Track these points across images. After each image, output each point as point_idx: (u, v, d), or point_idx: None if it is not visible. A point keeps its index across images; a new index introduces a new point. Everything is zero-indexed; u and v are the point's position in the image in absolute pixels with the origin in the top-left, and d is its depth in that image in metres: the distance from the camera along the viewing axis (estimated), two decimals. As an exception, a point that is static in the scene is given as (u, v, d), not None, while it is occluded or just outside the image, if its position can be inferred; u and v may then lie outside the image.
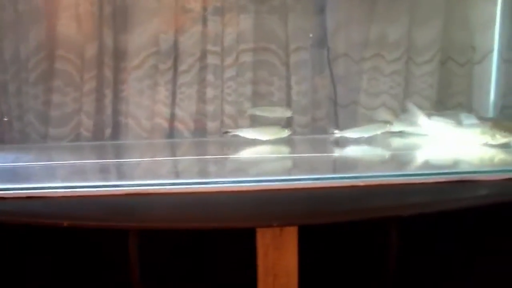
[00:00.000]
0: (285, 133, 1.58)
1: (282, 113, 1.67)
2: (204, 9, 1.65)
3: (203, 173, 1.40)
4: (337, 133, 1.57)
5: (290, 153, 1.57)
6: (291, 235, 1.16)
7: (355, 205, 1.19)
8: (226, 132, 1.60)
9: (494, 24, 1.75)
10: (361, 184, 1.26)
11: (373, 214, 1.18)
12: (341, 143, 1.63)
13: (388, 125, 1.60)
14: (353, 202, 1.21)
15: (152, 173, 1.39)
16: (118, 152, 1.65)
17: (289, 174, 1.36)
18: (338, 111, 1.75)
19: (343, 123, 1.72)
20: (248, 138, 1.58)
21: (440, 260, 1.42)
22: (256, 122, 1.68)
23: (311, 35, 1.73)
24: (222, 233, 1.28)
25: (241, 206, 1.18)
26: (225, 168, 1.45)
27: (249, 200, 1.20)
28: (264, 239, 1.16)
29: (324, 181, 1.27)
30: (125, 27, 1.64)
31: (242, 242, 1.20)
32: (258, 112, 1.66)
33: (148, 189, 1.20)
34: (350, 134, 1.58)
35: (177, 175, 1.39)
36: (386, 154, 1.57)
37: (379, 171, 1.40)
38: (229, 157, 1.53)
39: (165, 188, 1.20)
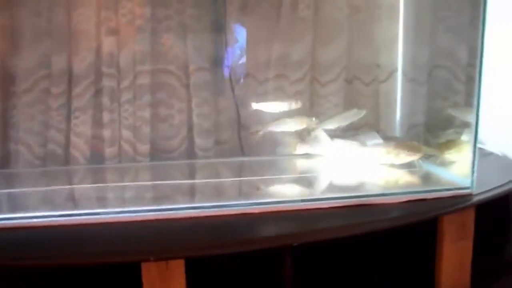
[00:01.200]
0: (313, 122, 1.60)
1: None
2: (98, 29, 1.60)
3: (88, 203, 1.37)
4: (315, 127, 1.58)
5: (183, 179, 1.54)
6: (177, 268, 1.13)
7: (243, 235, 1.17)
8: (257, 132, 1.62)
9: (398, 43, 1.77)
10: (255, 211, 1.24)
11: (260, 245, 1.17)
12: (244, 166, 1.62)
13: (361, 112, 1.62)
14: (243, 231, 1.19)
15: (27, 204, 1.36)
16: (7, 181, 1.58)
17: (177, 203, 1.32)
18: (242, 132, 1.71)
19: (247, 145, 1.70)
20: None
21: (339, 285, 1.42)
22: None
23: (233, 55, 1.70)
24: (107, 268, 1.24)
25: (125, 239, 1.16)
26: (115, 197, 1.42)
27: (135, 232, 1.18)
28: (149, 273, 1.13)
29: (215, 209, 1.24)
30: (15, 49, 1.59)
31: (129, 277, 1.16)
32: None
33: (20, 222, 1.16)
34: (327, 125, 1.60)
35: (55, 206, 1.35)
36: (287, 178, 1.56)
37: (276, 197, 1.39)
38: (118, 185, 1.50)
39: (41, 221, 1.18)
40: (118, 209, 1.25)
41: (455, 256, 1.41)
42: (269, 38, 1.71)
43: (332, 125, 1.61)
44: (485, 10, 1.31)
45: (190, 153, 1.70)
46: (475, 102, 1.36)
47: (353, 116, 1.63)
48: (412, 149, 1.55)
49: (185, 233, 1.18)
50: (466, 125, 1.49)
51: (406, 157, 1.54)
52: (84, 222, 1.20)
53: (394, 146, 1.54)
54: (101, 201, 1.40)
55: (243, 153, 1.69)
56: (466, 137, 1.51)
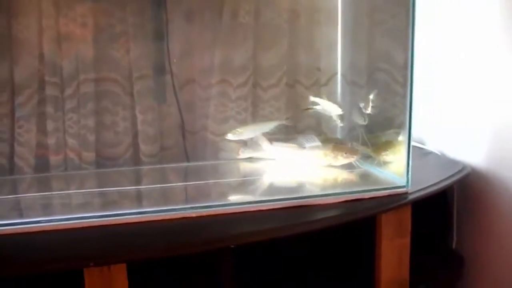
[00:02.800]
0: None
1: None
2: (40, 38, 1.61)
3: (31, 212, 1.40)
4: (231, 137, 1.62)
5: (127, 185, 1.57)
6: (119, 272, 1.16)
7: (182, 239, 1.20)
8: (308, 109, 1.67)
9: (337, 47, 1.82)
10: (193, 215, 1.27)
11: (199, 248, 1.20)
12: (188, 171, 1.65)
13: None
14: (183, 235, 1.22)
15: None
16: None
17: (121, 209, 1.35)
18: (186, 138, 1.75)
19: (192, 150, 1.74)
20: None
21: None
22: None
23: (174, 60, 1.72)
24: (49, 276, 1.26)
25: (66, 246, 1.18)
26: (56, 204, 1.45)
27: (76, 238, 1.20)
28: (91, 279, 1.15)
29: (155, 214, 1.27)
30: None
31: (72, 284, 1.18)
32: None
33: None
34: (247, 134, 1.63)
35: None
36: (229, 182, 1.60)
37: (215, 200, 1.41)
38: (63, 193, 1.52)
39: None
40: (61, 216, 1.26)
41: (393, 253, 1.46)
42: (211, 44, 1.75)
43: (251, 134, 1.65)
44: (414, 13, 1.36)
45: (136, 160, 1.72)
46: (407, 104, 1.41)
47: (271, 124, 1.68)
48: (349, 151, 1.62)
49: (127, 238, 1.21)
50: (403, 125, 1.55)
51: (343, 159, 1.60)
52: (27, 230, 1.22)
53: (332, 149, 1.59)
54: (46, 209, 1.42)
55: (187, 159, 1.72)
56: (403, 137, 1.56)
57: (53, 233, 1.22)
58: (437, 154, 1.84)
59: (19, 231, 1.22)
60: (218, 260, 1.31)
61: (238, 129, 1.62)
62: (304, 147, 1.60)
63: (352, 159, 1.61)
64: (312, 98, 1.72)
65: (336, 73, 1.84)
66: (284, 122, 1.66)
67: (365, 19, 1.81)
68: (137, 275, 1.19)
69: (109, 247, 1.17)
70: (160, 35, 1.71)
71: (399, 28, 1.63)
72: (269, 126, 1.66)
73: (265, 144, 1.61)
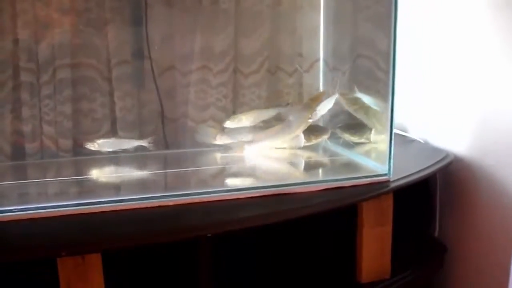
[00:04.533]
0: None
1: None
2: (14, 22, 1.58)
3: (4, 200, 1.35)
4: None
5: (105, 173, 1.55)
6: (94, 262, 1.13)
7: (158, 227, 1.18)
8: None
9: (319, 33, 1.80)
10: (170, 203, 1.25)
11: (174, 236, 1.19)
12: (167, 159, 1.63)
13: None
14: (158, 223, 1.20)
15: None
16: None
17: (98, 197, 1.32)
18: (166, 125, 1.72)
19: (172, 137, 1.72)
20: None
21: (263, 277, 1.44)
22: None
23: (156, 47, 1.69)
24: (23, 265, 1.24)
25: (38, 234, 1.15)
26: (31, 193, 1.43)
27: (48, 227, 1.18)
28: (65, 269, 1.13)
29: (131, 202, 1.25)
30: None
31: (46, 273, 1.16)
32: None
33: None
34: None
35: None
36: (204, 169, 1.58)
37: (192, 188, 1.40)
38: (39, 181, 1.50)
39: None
40: (36, 205, 1.23)
41: (374, 242, 1.45)
42: (191, 30, 1.72)
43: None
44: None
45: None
46: (389, 90, 1.39)
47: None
48: (320, 131, 1.65)
49: (103, 227, 1.19)
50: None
51: (315, 139, 1.65)
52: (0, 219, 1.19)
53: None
54: (20, 197, 1.39)
55: (167, 146, 1.69)
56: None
57: (27, 222, 1.20)
58: (420, 141, 1.83)
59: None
60: (195, 250, 1.29)
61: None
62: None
63: (323, 138, 1.65)
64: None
65: (318, 59, 1.81)
66: (145, 144, 1.62)
67: (348, 4, 1.78)
68: (113, 266, 1.16)
69: (83, 236, 1.15)
70: (139, 20, 1.68)
71: (382, 14, 1.61)
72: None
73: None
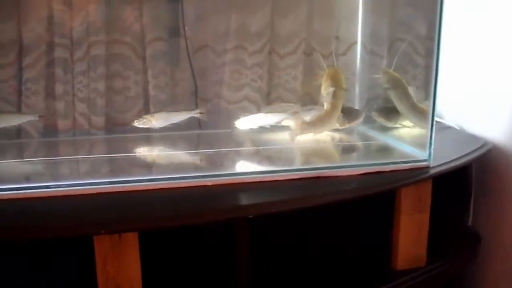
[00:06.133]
0: None
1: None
2: (50, -2, 1.53)
3: (37, 176, 1.35)
4: (137, 124, 1.55)
5: (138, 152, 1.55)
6: (131, 241, 1.12)
7: (198, 207, 1.16)
8: None
9: (357, 16, 1.76)
10: (209, 183, 1.23)
11: (215, 217, 1.16)
12: (200, 139, 1.60)
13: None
14: (198, 203, 1.18)
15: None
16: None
17: (132, 176, 1.30)
18: (199, 105, 1.70)
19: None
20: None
21: (299, 259, 1.42)
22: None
23: (186, 28, 1.66)
24: (57, 242, 1.22)
25: (76, 212, 1.14)
26: (67, 170, 1.41)
27: (86, 205, 1.16)
28: (101, 247, 1.12)
29: (170, 181, 1.23)
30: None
31: (81, 251, 1.14)
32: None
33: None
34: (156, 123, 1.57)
35: (11, 179, 1.31)
36: (244, 151, 1.57)
37: (231, 169, 1.38)
38: (71, 158, 1.48)
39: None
40: (71, 182, 1.21)
41: (412, 229, 1.43)
42: (227, 8, 1.69)
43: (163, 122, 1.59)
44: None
45: (147, 126, 1.66)
46: (432, 76, 1.36)
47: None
48: (354, 114, 1.65)
49: (139, 206, 1.17)
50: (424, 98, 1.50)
51: (348, 123, 1.63)
52: (36, 195, 1.18)
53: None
54: (54, 174, 1.37)
55: (200, 126, 1.67)
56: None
57: (63, 199, 1.19)
58: (455, 128, 1.79)
59: (28, 196, 1.18)
60: (234, 231, 1.26)
61: (147, 116, 1.55)
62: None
63: (356, 123, 1.63)
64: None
65: (355, 42, 1.77)
66: (197, 115, 1.58)
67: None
68: (149, 245, 1.13)
69: (121, 214, 1.14)
70: (175, -4, 1.63)
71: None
72: (182, 117, 1.58)
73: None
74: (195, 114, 1.57)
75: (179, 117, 1.56)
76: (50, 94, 1.62)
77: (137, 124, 1.55)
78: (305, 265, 1.42)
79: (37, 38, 1.58)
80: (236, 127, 1.59)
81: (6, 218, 1.10)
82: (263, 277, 1.35)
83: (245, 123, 1.58)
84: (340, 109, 1.58)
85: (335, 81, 1.58)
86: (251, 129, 1.62)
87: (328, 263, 1.44)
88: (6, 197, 1.17)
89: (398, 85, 1.61)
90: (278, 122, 1.60)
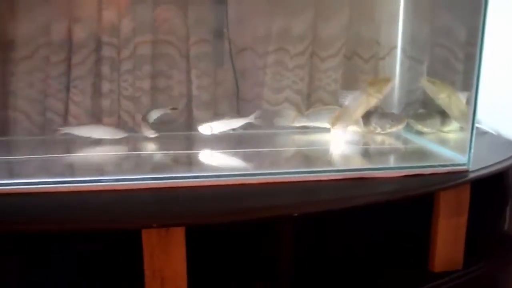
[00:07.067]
0: None
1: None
2: (100, -2, 1.58)
3: (89, 171, 1.39)
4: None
5: (183, 149, 1.58)
6: (178, 236, 1.15)
7: (244, 205, 1.19)
8: None
9: (398, 20, 1.78)
10: (254, 182, 1.26)
11: (262, 214, 1.19)
12: (242, 138, 1.64)
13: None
14: (244, 201, 1.21)
15: (33, 171, 1.38)
16: (5, 148, 1.60)
17: (178, 172, 1.34)
18: (240, 105, 1.73)
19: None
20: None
21: (338, 259, 1.44)
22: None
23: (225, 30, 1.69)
24: (107, 235, 1.26)
25: (125, 206, 1.18)
26: (114, 166, 1.45)
27: (135, 200, 1.20)
28: (149, 240, 1.15)
29: (215, 179, 1.26)
30: (13, 15, 1.58)
31: (128, 244, 1.17)
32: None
33: (27, 188, 1.20)
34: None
35: (60, 173, 1.36)
36: (287, 151, 1.60)
37: (275, 168, 1.40)
38: (119, 154, 1.52)
39: (46, 187, 1.20)
40: (119, 177, 1.26)
41: (449, 232, 1.44)
42: (270, 11, 1.72)
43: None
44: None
45: (188, 125, 1.70)
46: (474, 81, 1.37)
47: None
48: (395, 120, 1.65)
49: (186, 202, 1.20)
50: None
51: (390, 128, 1.64)
52: (85, 189, 1.22)
53: (379, 116, 1.63)
54: (102, 169, 1.43)
55: (241, 126, 1.70)
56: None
57: (111, 193, 1.23)
58: (493, 134, 1.79)
59: (81, 189, 1.23)
60: (277, 229, 1.29)
61: (209, 123, 1.58)
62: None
63: (398, 128, 1.63)
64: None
65: (395, 47, 1.79)
66: (253, 121, 1.61)
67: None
68: (194, 241, 1.17)
69: (169, 209, 1.17)
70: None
71: (464, 2, 1.58)
72: (239, 122, 1.61)
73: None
74: (251, 120, 1.60)
75: (237, 123, 1.60)
76: (96, 92, 1.65)
77: (200, 129, 1.59)
78: (344, 264, 1.44)
79: (86, 37, 1.62)
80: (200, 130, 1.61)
81: (58, 211, 1.14)
82: (304, 275, 1.37)
83: (207, 128, 1.59)
84: (362, 112, 1.61)
85: (373, 86, 1.60)
86: (293, 129, 1.63)
87: (366, 263, 1.46)
88: (56, 190, 1.22)
89: (446, 93, 1.62)
90: (241, 127, 1.62)
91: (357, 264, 1.45)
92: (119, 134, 1.55)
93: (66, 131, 1.57)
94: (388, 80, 1.63)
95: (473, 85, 1.38)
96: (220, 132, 1.57)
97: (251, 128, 1.65)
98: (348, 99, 1.59)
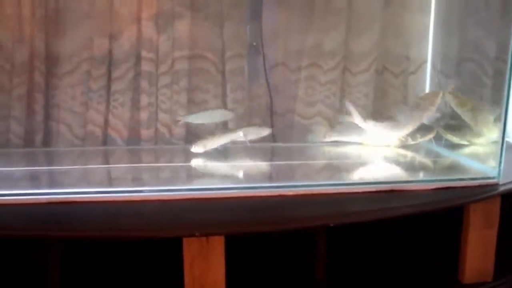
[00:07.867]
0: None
1: (223, 116, 1.69)
2: (139, 14, 1.67)
3: (130, 181, 1.44)
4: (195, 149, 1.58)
5: (225, 161, 1.62)
6: (217, 245, 1.19)
7: (282, 215, 1.24)
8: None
9: (428, 35, 1.82)
10: (290, 193, 1.30)
11: (300, 224, 1.23)
12: (275, 151, 1.68)
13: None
14: (281, 211, 1.25)
15: (76, 181, 1.43)
16: (49, 159, 1.66)
17: (219, 183, 1.41)
18: (274, 119, 1.77)
19: (279, 131, 1.76)
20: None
21: (370, 269, 1.47)
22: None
23: (254, 43, 1.75)
24: (149, 243, 1.30)
25: (166, 215, 1.22)
26: (153, 176, 1.49)
27: (175, 209, 1.24)
28: (190, 249, 1.19)
29: (252, 190, 1.31)
30: (58, 31, 1.66)
31: (169, 252, 1.22)
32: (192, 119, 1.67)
33: (71, 197, 1.24)
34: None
35: (102, 183, 1.42)
36: (316, 163, 1.63)
37: (309, 180, 1.44)
38: (158, 166, 1.57)
39: (89, 197, 1.25)
40: (159, 188, 1.31)
41: (479, 244, 1.45)
42: (303, 27, 1.77)
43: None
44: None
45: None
46: (504, 94, 1.40)
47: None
48: (425, 130, 1.68)
49: (224, 212, 1.24)
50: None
51: (421, 138, 1.67)
52: (127, 199, 1.27)
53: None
54: (142, 179, 1.47)
55: (274, 139, 1.74)
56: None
57: (150, 203, 1.27)
58: (522, 148, 1.81)
59: (120, 199, 1.27)
60: (313, 239, 1.33)
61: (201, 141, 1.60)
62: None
63: (429, 138, 1.66)
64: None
65: (425, 62, 1.83)
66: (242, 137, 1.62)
67: (459, 8, 1.79)
68: (233, 249, 1.21)
69: (210, 219, 1.21)
70: (254, 16, 1.73)
71: (493, 18, 1.61)
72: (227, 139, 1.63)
73: (358, 119, 1.64)
74: (238, 137, 1.62)
75: (226, 139, 1.62)
76: (135, 105, 1.71)
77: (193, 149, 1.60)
78: (376, 275, 1.47)
79: (126, 52, 1.68)
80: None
81: (102, 219, 1.19)
82: (338, 285, 1.41)
83: (201, 147, 1.60)
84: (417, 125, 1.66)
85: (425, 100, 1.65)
86: (325, 143, 1.68)
87: (398, 274, 1.49)
88: (99, 200, 1.26)
89: (468, 107, 1.66)
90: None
91: (389, 275, 1.47)
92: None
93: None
94: (438, 93, 1.67)
95: (503, 99, 1.40)
96: (212, 149, 1.59)
97: (286, 142, 1.68)
98: (402, 114, 1.62)
